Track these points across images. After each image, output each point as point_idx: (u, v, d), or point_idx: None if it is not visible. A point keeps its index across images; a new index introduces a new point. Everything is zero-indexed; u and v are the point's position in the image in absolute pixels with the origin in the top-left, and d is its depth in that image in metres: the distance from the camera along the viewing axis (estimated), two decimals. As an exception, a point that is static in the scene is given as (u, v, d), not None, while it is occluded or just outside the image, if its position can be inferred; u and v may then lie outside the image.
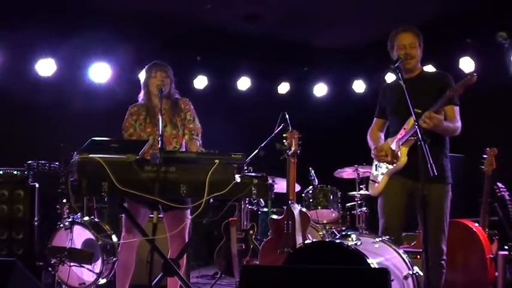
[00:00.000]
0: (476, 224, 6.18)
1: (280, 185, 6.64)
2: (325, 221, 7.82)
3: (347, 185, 8.00)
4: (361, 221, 7.71)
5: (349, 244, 4.13)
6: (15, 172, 7.04)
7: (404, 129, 4.93)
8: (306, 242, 5.79)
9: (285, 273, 3.57)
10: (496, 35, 4.16)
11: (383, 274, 3.35)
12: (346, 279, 3.38)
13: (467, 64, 8.74)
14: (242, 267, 3.77)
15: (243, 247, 7.08)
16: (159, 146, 4.65)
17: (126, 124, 5.48)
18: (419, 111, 4.62)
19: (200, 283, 7.89)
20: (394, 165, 5.02)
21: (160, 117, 4.93)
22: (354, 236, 4.36)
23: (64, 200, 6.40)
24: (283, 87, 10.80)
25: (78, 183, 4.31)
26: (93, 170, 4.27)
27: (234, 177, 4.32)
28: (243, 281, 3.49)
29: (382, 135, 5.38)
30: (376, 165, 5.34)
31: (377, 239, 4.56)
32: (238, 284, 3.55)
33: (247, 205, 7.48)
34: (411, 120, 4.64)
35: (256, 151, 6.72)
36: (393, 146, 5.04)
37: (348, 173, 7.94)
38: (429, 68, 7.76)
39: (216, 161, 4.30)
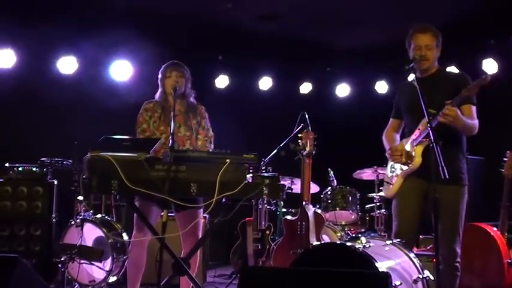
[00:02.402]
0: (495, 228, 6.10)
1: (299, 186, 6.61)
2: (343, 223, 7.77)
3: (366, 187, 7.94)
4: (380, 223, 7.65)
5: (358, 247, 4.08)
6: (34, 169, 7.06)
7: (419, 129, 4.87)
8: (315, 243, 5.74)
9: (286, 275, 3.54)
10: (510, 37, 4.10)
11: (384, 278, 3.31)
12: (347, 283, 3.34)
13: (490, 65, 8.65)
14: (242, 269, 3.76)
15: (259, 247, 7.06)
16: (170, 144, 4.63)
17: (140, 119, 5.48)
18: (434, 111, 4.58)
19: (217, 282, 7.87)
20: (409, 166, 4.96)
21: (172, 116, 4.92)
22: (363, 239, 4.31)
23: (80, 198, 6.42)
24: (305, 87, 10.77)
25: (89, 181, 4.34)
26: (104, 168, 4.29)
27: (245, 177, 4.29)
28: (243, 283, 3.47)
29: (398, 136, 5.34)
30: (390, 166, 5.28)
31: (388, 242, 4.53)
32: (238, 285, 3.51)
33: (266, 205, 7.46)
34: (425, 121, 4.58)
35: (275, 151, 6.69)
36: (408, 147, 4.99)
37: (367, 174, 7.90)
38: (452, 69, 7.71)
39: (227, 160, 4.28)
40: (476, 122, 4.91)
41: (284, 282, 3.43)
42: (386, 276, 3.30)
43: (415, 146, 4.89)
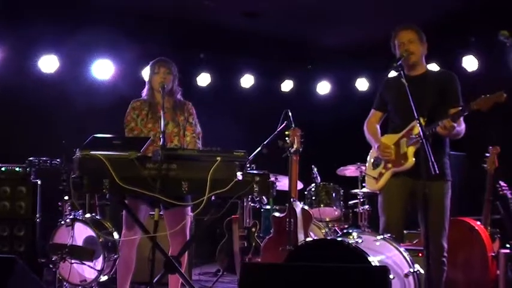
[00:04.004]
0: (478, 222, 6.19)
1: (283, 183, 6.65)
2: (327, 219, 7.83)
3: (350, 183, 7.99)
4: (363, 218, 7.71)
5: (350, 242, 4.13)
6: (17, 169, 7.03)
7: (411, 130, 4.93)
8: (307, 239, 5.78)
9: (285, 271, 3.57)
10: (498, 34, 4.16)
11: (383, 272, 3.35)
12: (346, 277, 3.38)
13: (470, 63, 8.73)
14: (242, 265, 3.78)
15: (245, 245, 7.10)
16: (161, 143, 4.64)
17: (128, 118, 5.48)
18: (424, 114, 4.63)
19: (202, 280, 7.88)
20: (402, 166, 5.01)
21: (162, 114, 4.92)
22: (355, 234, 4.35)
23: (66, 197, 6.40)
24: (287, 85, 10.79)
25: (80, 180, 4.31)
26: (95, 167, 4.27)
27: (236, 174, 4.32)
28: (243, 279, 3.49)
29: (379, 128, 5.40)
30: (374, 160, 5.34)
31: (378, 237, 4.57)
32: (239, 281, 3.54)
33: (250, 203, 7.49)
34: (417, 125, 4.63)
35: (259, 149, 6.72)
36: (399, 145, 5.04)
37: (350, 170, 7.95)
38: (433, 66, 7.77)
39: (218, 158, 4.30)
40: (463, 128, 5.00)
41: (285, 278, 3.45)
42: (385, 270, 3.35)
43: (408, 146, 4.96)
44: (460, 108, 4.80)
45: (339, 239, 4.29)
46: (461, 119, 4.96)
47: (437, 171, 4.12)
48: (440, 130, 4.71)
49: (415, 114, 4.39)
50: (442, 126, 4.68)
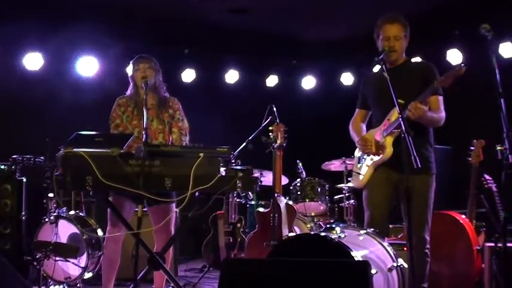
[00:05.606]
0: (463, 216, 6.19)
1: (268, 178, 6.65)
2: (313, 214, 7.83)
3: (335, 178, 8.00)
4: (349, 213, 7.71)
5: (333, 237, 4.13)
6: (2, 167, 6.98)
7: (389, 120, 4.94)
8: (290, 234, 5.79)
9: (267, 266, 3.58)
10: (479, 27, 4.17)
11: (364, 266, 3.37)
12: (327, 272, 3.39)
13: (455, 56, 8.75)
14: (224, 261, 3.78)
15: (231, 240, 7.11)
16: (143, 139, 4.63)
17: (113, 115, 5.48)
18: (402, 101, 4.62)
19: (188, 276, 7.86)
20: (380, 156, 5.02)
21: (145, 110, 4.92)
22: (338, 229, 4.37)
23: (50, 195, 6.38)
24: (272, 80, 10.76)
25: (63, 178, 4.33)
26: (78, 164, 4.30)
27: (219, 170, 4.32)
28: (225, 274, 3.49)
29: (364, 126, 5.41)
30: (359, 157, 5.35)
31: (362, 232, 4.59)
32: (220, 277, 3.54)
33: (236, 198, 7.49)
34: (395, 112, 4.64)
35: (244, 144, 6.72)
36: (378, 137, 5.05)
37: (335, 165, 7.95)
38: (417, 60, 7.78)
39: (201, 154, 4.31)
40: (443, 115, 5.00)
41: (267, 273, 3.46)
42: (365, 265, 3.36)
43: (386, 136, 4.95)
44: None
45: (322, 234, 4.30)
46: (441, 106, 4.98)
47: (420, 166, 4.13)
48: (410, 114, 4.66)
49: (395, 102, 4.39)
50: (409, 109, 4.66)
